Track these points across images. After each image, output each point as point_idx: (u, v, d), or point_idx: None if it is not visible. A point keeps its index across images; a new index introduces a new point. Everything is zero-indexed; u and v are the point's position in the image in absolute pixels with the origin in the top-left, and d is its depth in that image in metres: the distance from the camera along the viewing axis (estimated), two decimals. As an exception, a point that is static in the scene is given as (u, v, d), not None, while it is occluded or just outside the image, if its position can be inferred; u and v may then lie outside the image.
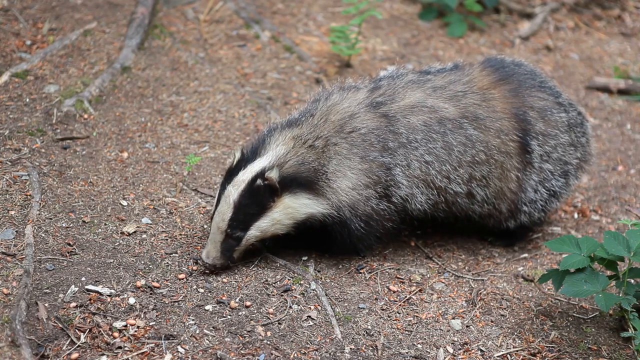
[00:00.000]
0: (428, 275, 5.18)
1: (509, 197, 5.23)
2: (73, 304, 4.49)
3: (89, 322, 4.42)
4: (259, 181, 4.75)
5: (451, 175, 5.05)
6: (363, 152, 4.92)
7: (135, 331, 4.42)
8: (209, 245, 4.82)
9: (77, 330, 4.37)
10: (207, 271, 4.83)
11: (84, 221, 5.07)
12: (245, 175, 4.79)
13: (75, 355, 4.24)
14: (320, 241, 5.09)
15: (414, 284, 5.08)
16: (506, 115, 5.13)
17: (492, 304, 4.99)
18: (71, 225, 5.03)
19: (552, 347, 4.72)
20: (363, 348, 4.56)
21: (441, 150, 5.02)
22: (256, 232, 4.83)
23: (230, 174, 4.85)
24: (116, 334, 4.39)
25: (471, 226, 5.43)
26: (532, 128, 5.17)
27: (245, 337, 4.50)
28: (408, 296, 4.97)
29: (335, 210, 4.90)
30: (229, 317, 4.61)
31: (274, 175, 4.74)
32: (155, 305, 4.59)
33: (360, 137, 4.92)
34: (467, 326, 4.80)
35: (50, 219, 5.03)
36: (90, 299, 4.53)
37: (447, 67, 5.32)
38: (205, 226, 5.19)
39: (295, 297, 4.81)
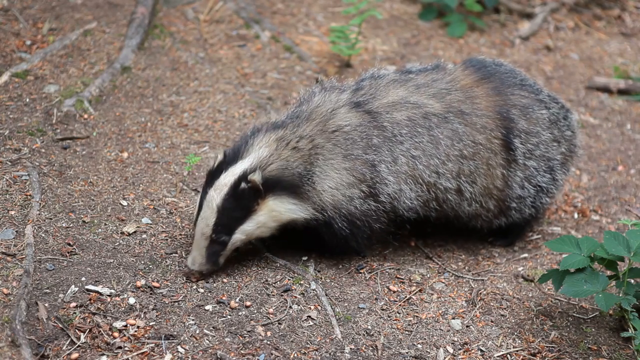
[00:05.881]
0: (428, 275, 5.18)
1: (495, 195, 5.24)
2: (73, 304, 4.49)
3: (89, 322, 4.42)
4: (242, 184, 4.70)
5: (440, 169, 5.04)
6: (346, 150, 4.89)
7: (135, 331, 4.42)
8: (194, 251, 4.75)
9: (77, 330, 4.37)
10: (193, 278, 4.79)
11: (84, 221, 5.07)
12: (227, 179, 4.73)
13: (75, 355, 4.24)
14: (319, 241, 5.08)
15: (414, 284, 5.08)
16: (490, 112, 5.15)
17: (492, 304, 4.99)
18: (71, 225, 5.03)
19: (552, 347, 4.72)
20: (363, 348, 4.56)
21: (428, 145, 5.01)
22: (241, 236, 4.78)
23: (212, 177, 4.78)
24: (116, 334, 4.39)
25: (463, 228, 5.42)
26: (515, 126, 5.20)
27: (245, 337, 4.50)
28: (408, 296, 4.97)
29: (319, 211, 4.87)
30: (229, 317, 4.61)
31: (257, 177, 4.69)
32: (155, 305, 4.59)
33: (343, 135, 4.90)
34: (467, 326, 4.80)
35: (50, 219, 5.04)
36: (90, 299, 4.53)
37: (429, 66, 5.34)
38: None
39: (295, 297, 4.81)
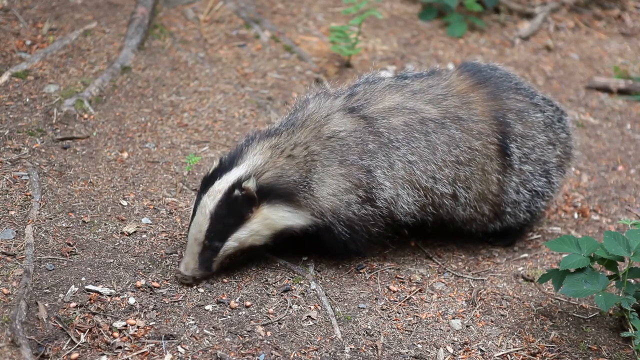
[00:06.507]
0: (428, 275, 5.18)
1: (490, 200, 5.23)
2: (73, 304, 4.49)
3: (89, 322, 4.42)
4: (236, 191, 4.68)
5: (437, 175, 5.03)
6: (341, 156, 4.87)
7: (135, 331, 4.42)
8: (187, 257, 4.73)
9: (77, 330, 4.37)
10: (185, 284, 4.76)
11: (84, 221, 5.08)
12: (220, 185, 4.70)
13: (75, 355, 4.25)
14: (319, 243, 5.08)
15: (414, 284, 5.08)
16: (486, 118, 5.15)
17: (492, 304, 4.99)
18: (71, 225, 5.03)
19: (552, 347, 4.72)
20: (363, 348, 4.56)
21: (425, 150, 5.00)
22: (234, 243, 4.76)
23: (206, 183, 4.76)
24: (116, 334, 4.39)
25: (457, 231, 5.41)
26: (511, 130, 5.19)
27: (245, 337, 4.50)
28: (408, 296, 4.97)
29: (318, 217, 4.86)
30: (229, 317, 4.61)
31: (251, 185, 4.68)
32: (155, 305, 4.59)
33: (339, 141, 4.88)
34: (467, 326, 4.80)
35: (50, 219, 5.04)
36: (90, 299, 4.53)
37: (424, 72, 5.34)
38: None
39: (295, 297, 4.81)
